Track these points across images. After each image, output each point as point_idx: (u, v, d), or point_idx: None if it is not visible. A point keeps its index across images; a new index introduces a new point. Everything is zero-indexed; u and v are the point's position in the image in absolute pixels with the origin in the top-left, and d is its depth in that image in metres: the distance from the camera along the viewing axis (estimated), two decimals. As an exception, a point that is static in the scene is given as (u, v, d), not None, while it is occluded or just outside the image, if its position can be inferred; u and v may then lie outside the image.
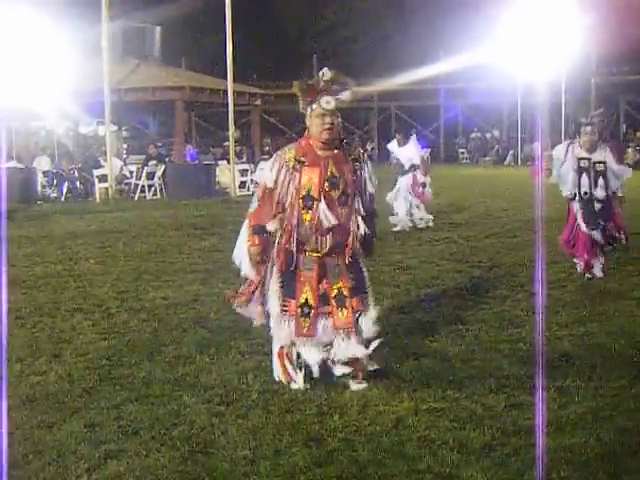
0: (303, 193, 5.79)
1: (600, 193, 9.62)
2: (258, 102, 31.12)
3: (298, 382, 5.94)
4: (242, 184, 25.40)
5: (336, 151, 5.89)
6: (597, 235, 9.68)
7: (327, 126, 5.78)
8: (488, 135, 48.60)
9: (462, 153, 47.48)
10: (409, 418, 5.35)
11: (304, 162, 5.82)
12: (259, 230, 5.95)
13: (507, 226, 15.12)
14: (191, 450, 4.92)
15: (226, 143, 28.39)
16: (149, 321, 8.21)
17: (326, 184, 5.79)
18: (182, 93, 26.61)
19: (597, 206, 9.68)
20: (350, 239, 5.88)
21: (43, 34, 21.38)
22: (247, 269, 6.11)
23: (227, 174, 25.30)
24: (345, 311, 5.88)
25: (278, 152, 5.97)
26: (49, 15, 21.45)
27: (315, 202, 5.78)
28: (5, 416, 5.12)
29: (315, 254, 5.87)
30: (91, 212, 20.01)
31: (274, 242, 5.97)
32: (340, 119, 5.90)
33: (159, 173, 24.66)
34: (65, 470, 4.69)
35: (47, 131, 31.13)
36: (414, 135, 15.88)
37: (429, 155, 17.03)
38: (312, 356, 5.92)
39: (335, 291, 5.89)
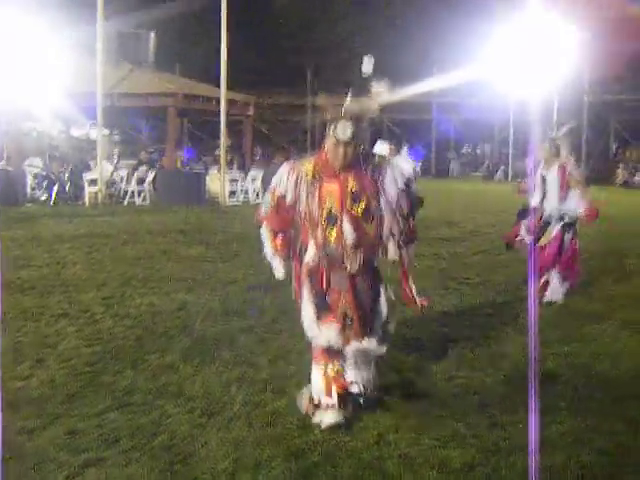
0: (326, 211, 5.58)
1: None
2: (251, 111, 31.15)
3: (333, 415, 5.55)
4: (232, 193, 25.40)
5: (355, 166, 5.63)
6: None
7: (340, 156, 5.53)
8: (479, 150, 48.77)
9: (452, 167, 47.60)
10: (390, 435, 5.36)
11: (323, 177, 5.62)
12: (278, 232, 5.84)
13: (495, 243, 15.14)
14: (171, 461, 4.92)
15: (217, 151, 28.39)
16: (134, 328, 8.20)
17: (348, 201, 5.57)
18: (175, 100, 26.62)
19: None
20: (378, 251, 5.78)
21: (37, 36, 21.34)
22: (277, 268, 5.91)
23: (217, 183, 25.30)
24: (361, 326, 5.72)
25: (293, 161, 5.80)
26: (43, 16, 21.43)
27: (338, 220, 5.58)
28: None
29: (345, 271, 5.65)
30: (80, 216, 19.96)
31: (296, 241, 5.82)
32: (358, 142, 5.62)
33: (149, 179, 24.63)
34: (44, 477, 4.70)
35: (39, 133, 31.04)
36: (405, 147, 15.79)
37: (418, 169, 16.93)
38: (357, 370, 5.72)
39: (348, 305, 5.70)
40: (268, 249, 5.88)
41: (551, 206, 9.74)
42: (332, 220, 5.59)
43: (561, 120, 35.76)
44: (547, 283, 9.74)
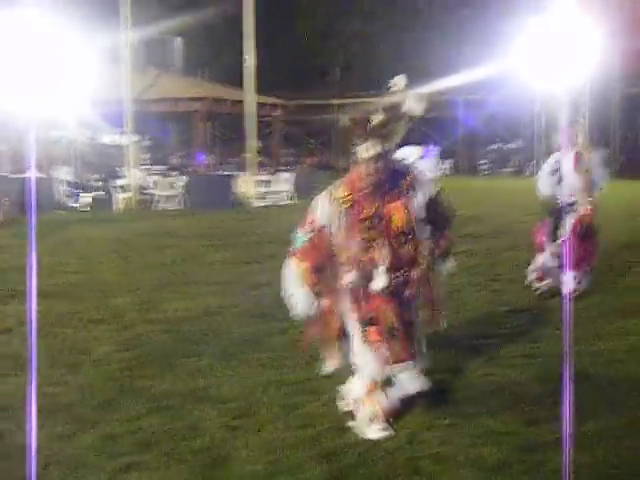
0: (361, 234, 5.52)
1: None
2: (279, 113, 31.21)
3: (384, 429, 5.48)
4: (262, 195, 25.47)
5: (384, 187, 5.55)
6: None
7: (365, 174, 5.51)
8: (508, 146, 48.48)
9: (482, 164, 47.34)
10: (424, 433, 5.37)
11: (358, 201, 5.54)
12: (317, 270, 5.64)
13: (527, 239, 15.05)
14: (208, 464, 4.96)
15: (247, 154, 28.48)
16: (168, 332, 8.26)
17: (365, 223, 5.53)
18: (203, 104, 26.75)
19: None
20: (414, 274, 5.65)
21: (64, 43, 21.49)
22: (302, 305, 5.84)
23: (247, 185, 25.37)
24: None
25: (328, 189, 5.67)
26: (70, 23, 21.55)
27: (373, 243, 5.52)
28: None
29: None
30: (111, 222, 20.11)
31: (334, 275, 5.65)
32: (386, 160, 5.57)
33: (180, 183, 24.76)
34: (84, 482, 4.73)
35: (68, 140, 31.27)
36: (433, 148, 15.66)
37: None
38: (413, 383, 5.68)
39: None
40: (296, 284, 5.67)
41: (565, 194, 9.50)
42: (366, 244, 5.52)
43: (592, 115, 35.71)
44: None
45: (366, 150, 5.47)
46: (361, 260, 5.54)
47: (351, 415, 5.62)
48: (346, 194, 5.57)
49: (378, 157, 5.48)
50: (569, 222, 9.48)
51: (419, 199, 5.64)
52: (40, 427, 5.48)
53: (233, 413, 5.82)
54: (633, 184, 33.51)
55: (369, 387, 5.61)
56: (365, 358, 5.56)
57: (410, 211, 5.59)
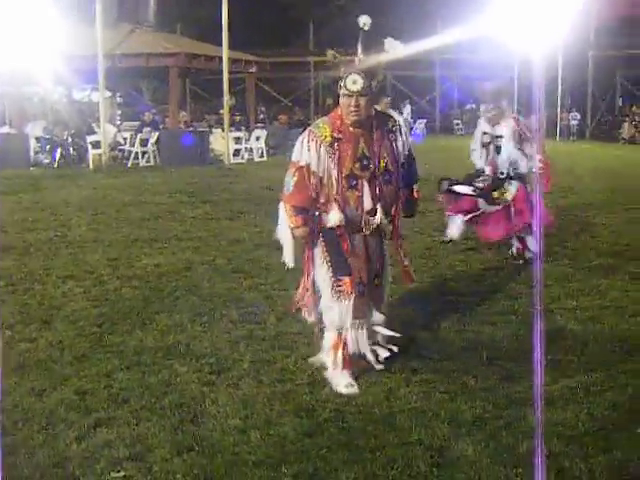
0: (346, 172, 5.46)
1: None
2: (253, 69, 30.91)
3: (353, 385, 5.46)
4: (236, 152, 25.32)
5: (370, 127, 5.53)
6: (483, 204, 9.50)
7: (352, 109, 5.40)
8: (483, 107, 48.49)
9: (457, 124, 47.34)
10: (401, 389, 5.35)
11: (341, 139, 5.48)
12: (301, 211, 5.55)
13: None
14: (181, 419, 4.91)
15: (221, 111, 28.24)
16: (141, 289, 8.18)
17: (356, 165, 5.48)
18: (177, 59, 26.41)
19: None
20: (394, 218, 5.72)
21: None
22: (288, 255, 5.80)
23: (221, 142, 25.20)
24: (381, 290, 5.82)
25: (310, 128, 5.59)
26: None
27: (359, 181, 5.49)
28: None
29: (361, 233, 5.59)
30: (84, 178, 19.91)
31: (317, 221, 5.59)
32: (372, 97, 5.51)
33: (153, 140, 24.54)
34: (55, 438, 4.68)
35: (40, 97, 30.88)
36: (407, 106, 15.46)
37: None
38: (365, 341, 5.67)
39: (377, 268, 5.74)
40: (285, 227, 5.62)
41: (505, 162, 9.32)
42: (352, 182, 5.48)
43: (565, 75, 35.73)
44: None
45: (353, 82, 5.40)
46: (346, 199, 5.49)
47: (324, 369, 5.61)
48: (329, 132, 5.49)
49: (367, 90, 5.41)
50: (514, 187, 9.34)
51: (400, 146, 5.67)
52: (12, 384, 5.46)
53: (205, 369, 5.78)
54: (604, 146, 33.69)
55: (335, 339, 5.60)
56: (333, 309, 5.56)
57: (395, 152, 5.63)
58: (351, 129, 5.50)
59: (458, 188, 9.57)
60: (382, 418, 4.91)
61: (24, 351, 6.20)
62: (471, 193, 9.42)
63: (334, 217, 5.49)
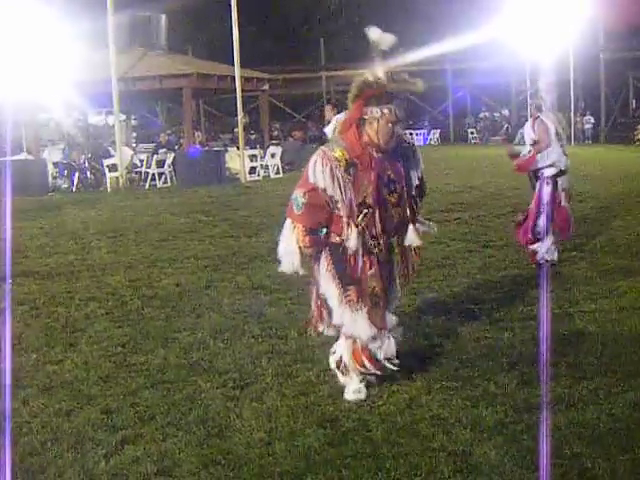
0: (359, 200, 5.45)
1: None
2: (266, 87, 31.04)
3: (361, 391, 5.56)
4: (252, 170, 25.45)
5: (390, 151, 5.56)
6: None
7: (388, 137, 5.46)
8: (497, 114, 48.46)
9: (471, 133, 47.35)
10: (422, 397, 5.40)
11: (357, 165, 5.46)
12: (311, 232, 5.55)
13: (518, 205, 15.09)
14: (207, 434, 4.99)
15: (235, 129, 28.38)
16: (163, 308, 8.27)
17: (385, 190, 5.51)
18: (190, 80, 26.56)
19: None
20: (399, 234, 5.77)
21: (48, 25, 21.36)
22: (297, 263, 5.76)
23: (237, 160, 25.34)
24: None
25: (323, 149, 5.54)
26: (54, 6, 21.45)
27: (370, 209, 5.47)
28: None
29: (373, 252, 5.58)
30: (102, 202, 20.06)
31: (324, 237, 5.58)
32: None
33: (169, 161, 24.69)
34: (83, 456, 4.76)
35: (56, 122, 31.17)
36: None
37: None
38: (390, 350, 5.62)
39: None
40: (289, 246, 5.59)
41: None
42: (363, 209, 5.47)
43: (577, 78, 35.68)
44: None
45: (389, 111, 5.43)
46: (361, 221, 5.48)
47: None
48: (345, 157, 5.45)
49: (395, 118, 5.47)
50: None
51: (413, 166, 5.77)
52: (39, 405, 5.55)
53: (229, 384, 5.85)
54: (619, 149, 33.59)
55: (349, 348, 5.61)
56: (344, 319, 5.56)
57: (412, 176, 5.73)
58: (375, 154, 5.51)
59: None
60: (405, 426, 4.97)
61: (51, 373, 6.31)
62: None
63: (353, 242, 5.47)
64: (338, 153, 5.47)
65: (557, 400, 5.19)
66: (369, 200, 5.46)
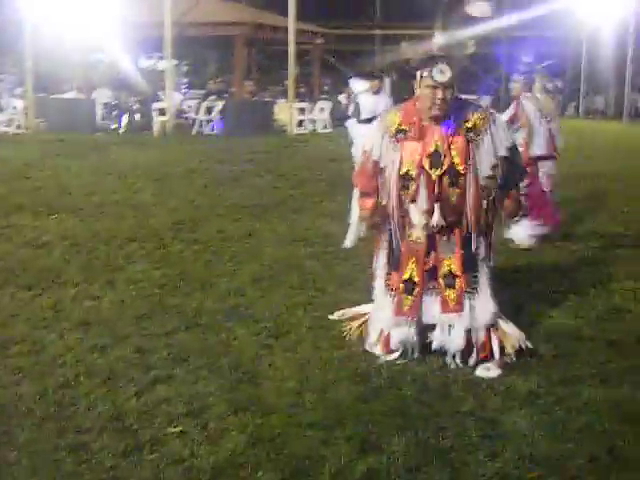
0: (402, 171, 5.20)
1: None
2: (319, 41, 30.83)
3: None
4: (300, 122, 25.36)
5: (445, 120, 5.15)
6: None
7: (438, 102, 5.06)
8: (550, 85, 47.84)
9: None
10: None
11: (407, 132, 5.20)
12: (365, 194, 5.46)
13: (566, 179, 14.87)
14: (238, 380, 5.00)
15: (285, 81, 28.22)
16: (203, 252, 8.31)
17: (427, 161, 5.14)
18: (243, 29, 26.40)
19: None
20: (465, 218, 5.26)
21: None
22: (350, 235, 5.61)
23: (285, 112, 25.24)
24: (453, 293, 5.31)
25: (384, 111, 5.40)
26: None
27: (413, 183, 5.19)
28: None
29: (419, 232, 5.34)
30: (149, 144, 20.12)
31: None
32: (453, 89, 5.12)
33: (218, 108, 24.63)
34: (114, 392, 4.80)
35: (107, 64, 31.20)
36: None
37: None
38: (407, 339, 5.37)
39: (445, 268, 5.32)
40: (354, 208, 5.54)
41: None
42: (406, 182, 5.23)
43: (637, 55, 34.95)
44: None
45: (440, 73, 5.03)
46: (398, 198, 5.30)
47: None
48: (397, 122, 5.26)
49: (453, 80, 5.11)
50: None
51: (487, 144, 5.19)
52: (75, 339, 5.61)
53: (263, 333, 5.86)
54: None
55: (378, 331, 5.51)
56: (381, 301, 5.52)
57: (471, 151, 5.17)
58: (425, 123, 5.20)
59: None
60: (436, 388, 4.94)
61: (88, 309, 6.36)
62: None
63: (415, 216, 5.30)
64: (391, 117, 5.34)
65: (591, 375, 5.14)
66: (413, 172, 5.22)
